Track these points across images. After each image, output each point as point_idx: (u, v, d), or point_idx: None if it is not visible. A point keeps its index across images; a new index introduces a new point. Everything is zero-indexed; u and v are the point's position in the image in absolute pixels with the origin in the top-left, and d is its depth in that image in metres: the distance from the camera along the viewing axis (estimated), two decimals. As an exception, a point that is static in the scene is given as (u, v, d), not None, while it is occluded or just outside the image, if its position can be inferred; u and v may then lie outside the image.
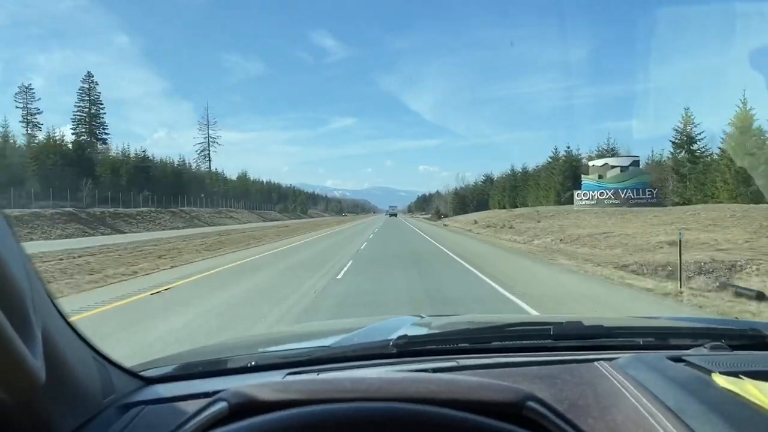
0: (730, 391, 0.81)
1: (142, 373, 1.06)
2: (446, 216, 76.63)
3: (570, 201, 44.82)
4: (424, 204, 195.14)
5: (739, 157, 21.40)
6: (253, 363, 1.15)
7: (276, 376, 1.05)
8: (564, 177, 47.65)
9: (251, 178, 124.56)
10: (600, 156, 43.52)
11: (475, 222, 44.62)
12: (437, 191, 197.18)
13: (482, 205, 72.94)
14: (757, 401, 0.76)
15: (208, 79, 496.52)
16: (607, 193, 37.40)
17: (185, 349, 1.53)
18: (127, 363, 1.03)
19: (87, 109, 77.71)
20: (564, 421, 0.61)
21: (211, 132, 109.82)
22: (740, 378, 0.84)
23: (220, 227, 48.74)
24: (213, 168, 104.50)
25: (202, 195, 74.47)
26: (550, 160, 51.46)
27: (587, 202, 38.32)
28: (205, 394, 0.90)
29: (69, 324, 0.78)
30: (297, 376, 1.04)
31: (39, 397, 0.67)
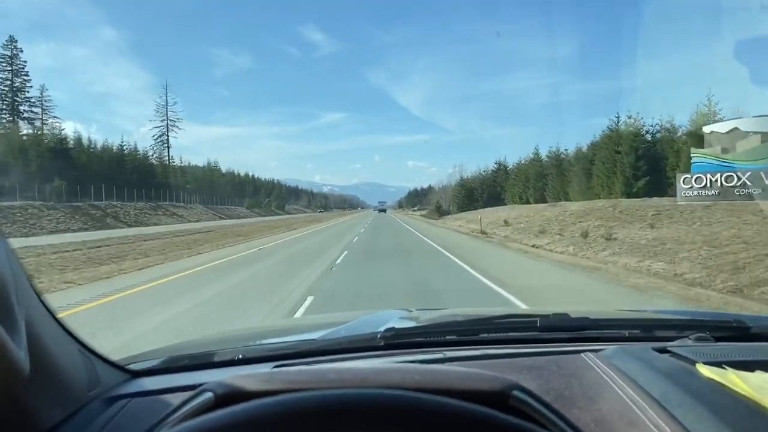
0: (714, 381, 0.82)
1: (128, 366, 1.05)
2: (448, 213, 61.42)
3: (649, 192, 29.83)
4: (416, 199, 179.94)
5: None
6: (240, 356, 1.15)
7: (263, 369, 1.03)
8: (636, 157, 32.27)
9: (223, 170, 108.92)
10: (705, 121, 28.02)
11: (507, 223, 29.51)
12: (429, 185, 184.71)
13: (494, 199, 57.83)
14: (740, 391, 0.77)
15: (195, 72, 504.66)
16: (740, 178, 22.31)
17: (172, 343, 1.47)
18: None
19: (9, 82, 62.08)
20: (550, 411, 0.61)
21: (170, 114, 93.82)
22: (724, 368, 0.86)
23: (139, 229, 33.24)
24: (172, 157, 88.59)
25: (146, 187, 58.90)
26: (608, 131, 35.91)
27: (704, 191, 23.16)
28: (192, 387, 0.89)
29: (54, 317, 0.78)
30: (284, 368, 1.02)
31: (22, 389, 0.67)
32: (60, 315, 0.81)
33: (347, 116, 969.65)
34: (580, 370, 0.98)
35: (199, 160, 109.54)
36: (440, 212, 62.16)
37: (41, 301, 0.74)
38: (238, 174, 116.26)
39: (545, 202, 44.91)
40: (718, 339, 1.15)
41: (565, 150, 47.13)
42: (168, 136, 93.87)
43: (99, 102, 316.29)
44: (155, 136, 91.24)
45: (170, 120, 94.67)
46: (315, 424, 0.50)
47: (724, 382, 0.80)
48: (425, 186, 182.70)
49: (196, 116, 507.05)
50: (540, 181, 47.86)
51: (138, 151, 72.25)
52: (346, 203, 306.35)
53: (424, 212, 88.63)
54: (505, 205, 53.86)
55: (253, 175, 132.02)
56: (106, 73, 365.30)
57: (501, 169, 61.68)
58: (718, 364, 0.88)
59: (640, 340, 1.22)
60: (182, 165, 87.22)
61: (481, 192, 61.33)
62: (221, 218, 61.88)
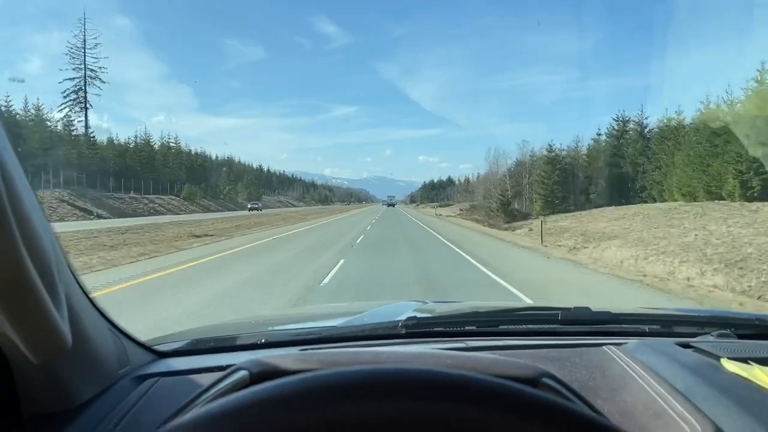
0: (739, 375, 0.81)
1: (154, 347, 1.07)
2: (524, 215, 31.35)
3: None
4: (432, 192, 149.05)
5: (752, 146, 15.42)
6: (263, 340, 1.16)
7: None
8: None
9: (192, 150, 79.80)
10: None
11: None
12: (449, 177, 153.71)
13: (619, 189, 27.83)
14: (766, 386, 0.76)
15: (207, 63, 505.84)
16: None
17: (195, 326, 1.49)
18: None
19: None
20: (578, 398, 0.61)
21: (89, 62, 62.76)
22: (749, 364, 0.84)
23: None
24: (92, 124, 59.07)
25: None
26: None
27: None
28: (218, 368, 0.92)
29: (87, 296, 0.80)
30: (317, 350, 1.03)
31: (60, 363, 0.69)
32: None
33: (358, 109, 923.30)
34: (603, 362, 0.97)
35: (210, 152, 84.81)
36: (508, 213, 31.77)
37: (76, 279, 0.75)
38: (204, 156, 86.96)
39: None
40: (740, 337, 1.12)
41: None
42: (86, 92, 63.98)
43: (111, 91, 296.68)
44: (65, 93, 60.67)
45: (89, 69, 64.22)
46: (370, 395, 0.48)
47: (749, 377, 0.79)
48: (443, 178, 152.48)
49: (207, 107, 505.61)
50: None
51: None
52: (352, 197, 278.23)
53: (454, 209, 58.36)
54: (656, 200, 23.95)
55: (229, 158, 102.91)
56: (118, 62, 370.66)
57: (633, 132, 31.11)
58: (743, 360, 0.86)
59: (660, 335, 1.19)
60: (89, 134, 57.75)
61: (593, 177, 30.85)
62: (88, 217, 32.48)
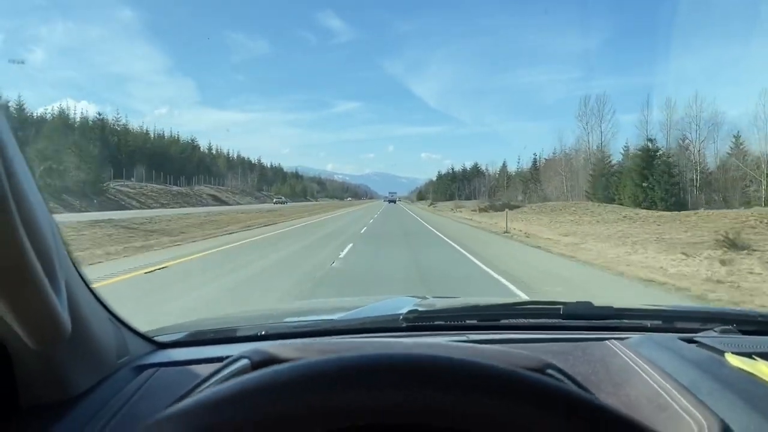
0: (743, 370, 0.81)
1: (154, 338, 1.07)
2: None
3: None
4: (453, 186, 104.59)
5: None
6: (263, 332, 1.16)
7: None
8: None
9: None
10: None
11: None
12: (475, 163, 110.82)
13: None
14: None
15: (211, 56, 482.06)
16: None
17: (193, 319, 1.52)
18: None
19: None
20: (582, 390, 0.61)
21: None
22: (754, 359, 0.83)
23: None
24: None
25: None
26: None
27: None
28: (218, 359, 0.89)
29: (87, 285, 0.79)
30: (317, 338, 1.03)
31: (59, 351, 0.68)
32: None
33: (362, 105, 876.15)
34: (606, 356, 0.96)
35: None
36: None
37: (76, 269, 0.75)
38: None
39: None
40: (743, 333, 1.12)
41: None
42: None
43: (115, 83, 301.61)
44: None
45: None
46: (382, 381, 0.46)
47: (754, 372, 0.79)
48: (467, 167, 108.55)
49: (211, 101, 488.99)
50: None
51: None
52: (348, 192, 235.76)
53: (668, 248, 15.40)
54: None
55: (115, 119, 60.63)
56: (122, 54, 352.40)
57: None
58: (747, 355, 0.85)
59: (663, 330, 1.19)
60: None
61: None
62: None
